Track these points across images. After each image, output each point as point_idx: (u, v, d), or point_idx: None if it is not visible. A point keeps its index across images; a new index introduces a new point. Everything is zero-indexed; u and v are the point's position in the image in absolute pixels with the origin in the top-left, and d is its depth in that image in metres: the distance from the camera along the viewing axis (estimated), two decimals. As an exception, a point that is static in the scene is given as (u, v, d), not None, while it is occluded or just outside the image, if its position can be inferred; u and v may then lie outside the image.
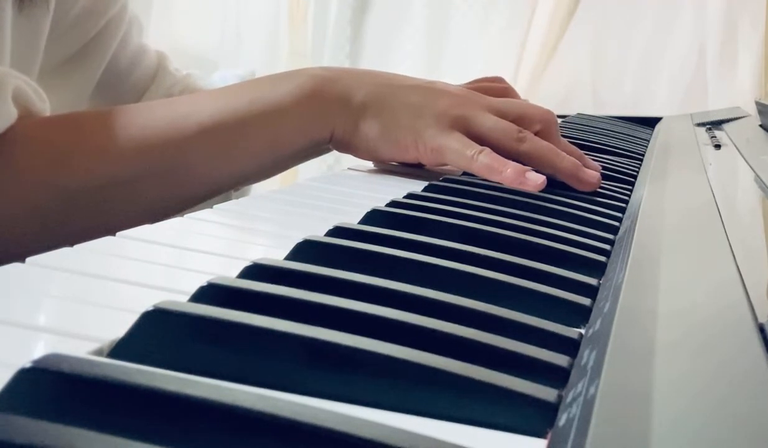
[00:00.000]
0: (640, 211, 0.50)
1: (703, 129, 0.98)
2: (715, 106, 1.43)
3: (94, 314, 0.29)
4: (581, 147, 0.71)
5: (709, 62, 1.59)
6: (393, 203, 0.49)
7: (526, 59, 1.79)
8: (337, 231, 0.40)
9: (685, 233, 0.44)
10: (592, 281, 0.37)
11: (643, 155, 0.84)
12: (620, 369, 0.24)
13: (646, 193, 0.56)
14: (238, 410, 0.20)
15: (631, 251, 0.39)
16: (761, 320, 0.27)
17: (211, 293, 0.29)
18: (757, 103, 0.98)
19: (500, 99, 0.66)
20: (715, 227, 0.42)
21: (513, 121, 0.62)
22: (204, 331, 0.26)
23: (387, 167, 0.67)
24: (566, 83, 1.74)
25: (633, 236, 0.42)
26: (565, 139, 0.68)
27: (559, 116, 0.89)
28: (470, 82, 0.73)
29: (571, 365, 0.27)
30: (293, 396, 0.24)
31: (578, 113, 1.23)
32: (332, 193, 0.55)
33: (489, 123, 0.61)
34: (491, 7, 1.85)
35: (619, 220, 0.52)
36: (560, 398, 0.25)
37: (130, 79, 0.80)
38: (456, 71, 1.81)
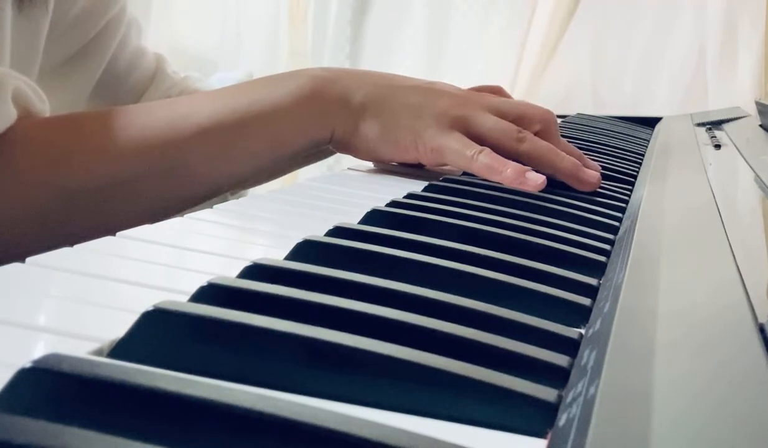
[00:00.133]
0: (640, 211, 0.50)
1: (703, 129, 0.98)
2: (715, 106, 1.43)
3: (94, 314, 0.29)
4: (581, 147, 0.71)
5: (709, 62, 1.59)
6: (393, 203, 0.49)
7: (526, 59, 1.79)
8: (337, 231, 0.40)
9: (685, 233, 0.44)
10: (592, 281, 0.38)
11: (643, 155, 0.84)
12: (620, 369, 0.24)
13: (646, 193, 0.56)
14: (238, 410, 0.20)
15: (631, 251, 0.39)
16: (761, 320, 0.27)
17: (211, 293, 0.29)
18: (757, 103, 0.98)
19: (500, 99, 0.66)
20: (715, 227, 0.42)
21: (512, 121, 0.62)
22: (204, 331, 0.26)
23: (387, 167, 0.67)
24: (566, 83, 1.74)
25: (633, 236, 0.42)
26: (565, 140, 0.68)
27: (559, 116, 0.89)
28: (470, 89, 0.73)
29: (571, 365, 0.27)
30: (293, 396, 0.24)
31: (578, 113, 1.23)
32: (332, 193, 0.55)
33: (489, 123, 0.61)
34: (491, 7, 1.85)
35: (619, 220, 0.52)
36: (560, 398, 0.25)
37: (129, 81, 0.80)
38: (456, 71, 1.81)
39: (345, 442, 0.20)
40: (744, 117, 1.08)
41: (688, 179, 0.64)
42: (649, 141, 0.97)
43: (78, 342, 0.26)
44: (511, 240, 0.42)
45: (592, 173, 0.62)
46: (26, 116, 0.54)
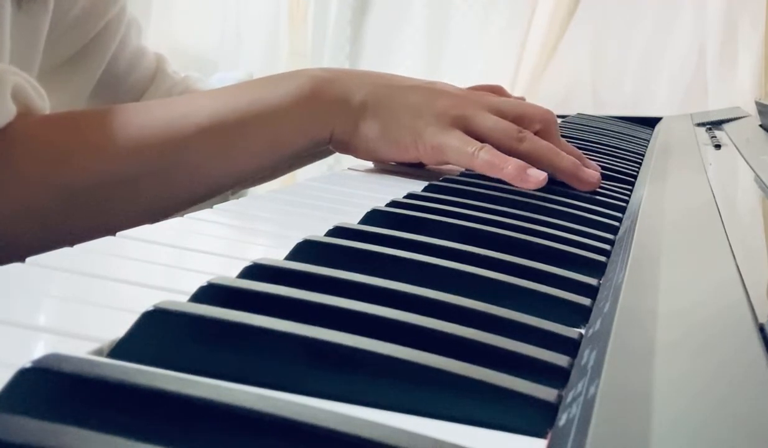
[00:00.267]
0: (640, 211, 0.50)
1: (703, 129, 0.98)
2: (715, 106, 1.43)
3: (94, 314, 0.29)
4: (581, 147, 0.71)
5: (709, 62, 1.59)
6: (393, 203, 0.49)
7: (526, 59, 1.79)
8: (337, 231, 0.40)
9: (685, 233, 0.44)
10: (592, 281, 0.37)
11: (643, 155, 0.84)
12: (620, 369, 0.24)
13: (646, 194, 0.56)
14: (238, 410, 0.20)
15: (631, 251, 0.39)
16: (761, 320, 0.27)
17: (211, 293, 0.29)
18: (757, 103, 0.98)
19: (500, 99, 0.66)
20: (715, 227, 0.42)
21: (512, 120, 0.62)
22: (204, 331, 0.26)
23: (387, 167, 0.67)
24: (566, 83, 1.74)
25: (633, 236, 0.42)
26: (565, 140, 0.68)
27: (559, 116, 0.89)
28: (469, 88, 0.73)
29: (571, 365, 0.27)
30: (293, 396, 0.24)
31: (578, 113, 1.23)
32: (332, 193, 0.55)
33: (489, 123, 0.61)
34: (491, 7, 1.85)
35: (619, 220, 0.52)
36: (560, 398, 0.25)
37: (129, 81, 0.80)
38: (456, 71, 1.81)
39: (345, 442, 0.20)
40: (744, 117, 1.08)
41: (688, 179, 0.64)
42: (649, 141, 0.97)
43: (78, 342, 0.26)
44: (511, 240, 0.42)
45: (592, 173, 0.62)
46: (26, 113, 0.54)
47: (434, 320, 0.28)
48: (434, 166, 0.67)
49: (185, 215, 0.45)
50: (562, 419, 0.23)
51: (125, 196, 0.55)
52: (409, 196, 0.53)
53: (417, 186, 0.58)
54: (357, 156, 0.64)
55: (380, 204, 0.48)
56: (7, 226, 0.52)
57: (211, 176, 0.58)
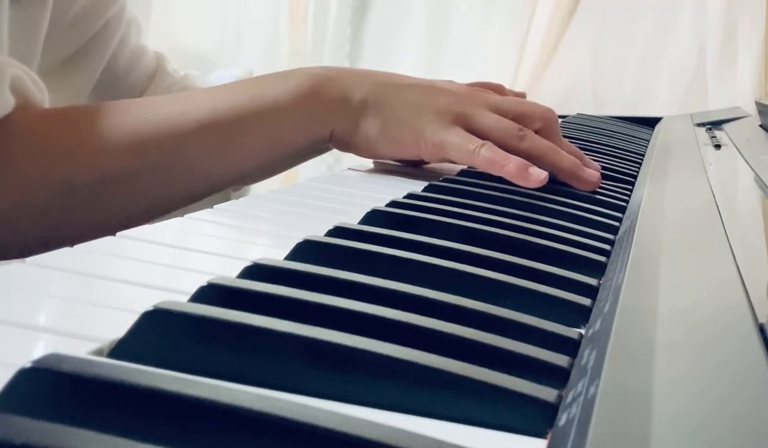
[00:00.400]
0: (640, 211, 0.50)
1: (703, 129, 0.98)
2: (715, 106, 1.43)
3: (94, 314, 0.29)
4: (581, 147, 0.71)
5: (709, 62, 1.59)
6: (393, 203, 0.49)
7: (526, 59, 1.79)
8: (337, 231, 0.40)
9: (685, 233, 0.44)
10: (592, 281, 0.38)
11: (643, 155, 0.84)
12: (620, 369, 0.24)
13: (646, 194, 0.56)
14: (238, 410, 0.20)
15: (631, 251, 0.39)
16: (761, 320, 0.27)
17: (211, 293, 0.29)
18: (757, 103, 0.98)
19: (500, 97, 0.66)
20: (715, 227, 0.42)
21: (513, 119, 0.62)
22: (204, 331, 0.26)
23: (387, 168, 0.67)
24: (566, 83, 1.74)
25: (633, 236, 0.42)
26: (566, 139, 0.68)
27: (559, 116, 0.89)
28: (469, 84, 0.73)
29: (571, 365, 0.27)
30: (293, 396, 0.24)
31: (578, 113, 1.23)
32: (332, 193, 0.55)
33: (490, 121, 0.61)
34: (491, 7, 1.85)
35: (619, 220, 0.52)
36: (560, 398, 0.25)
37: (129, 80, 0.80)
38: (456, 71, 1.81)
39: (345, 442, 0.20)
40: (744, 117, 1.08)
41: (688, 179, 0.64)
42: (649, 141, 0.97)
43: (78, 342, 0.26)
44: (511, 240, 0.42)
45: (592, 172, 0.62)
46: (25, 106, 0.54)
47: (434, 320, 0.28)
48: (434, 167, 0.67)
49: (185, 215, 0.45)
50: (562, 419, 0.23)
51: (124, 192, 0.55)
52: (409, 196, 0.53)
53: (417, 186, 0.58)
54: (358, 154, 0.64)
55: (380, 204, 0.48)
56: (6, 220, 0.52)
57: (210, 173, 0.58)
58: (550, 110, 0.66)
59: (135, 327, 0.26)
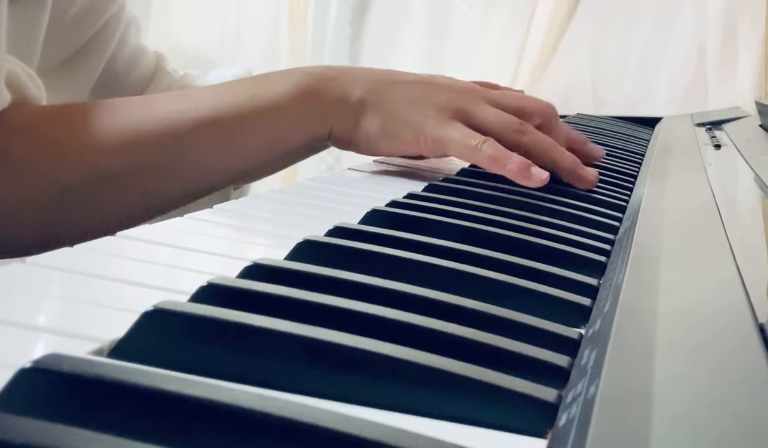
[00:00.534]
0: (640, 211, 0.50)
1: (703, 129, 0.98)
2: (715, 106, 1.43)
3: (94, 314, 0.29)
4: (581, 147, 0.71)
5: (709, 62, 1.59)
6: (393, 203, 0.49)
7: (526, 59, 1.79)
8: (337, 231, 0.40)
9: (685, 233, 0.44)
10: (592, 281, 0.38)
11: (643, 155, 0.84)
12: (620, 369, 0.24)
13: (646, 193, 0.56)
14: (238, 410, 0.20)
15: (631, 251, 0.39)
16: (761, 320, 0.27)
17: (211, 293, 0.29)
18: (757, 103, 0.98)
19: (499, 92, 0.66)
20: (715, 227, 0.42)
21: (513, 114, 0.62)
22: (204, 331, 0.26)
23: (387, 168, 0.67)
24: (566, 83, 1.74)
25: (633, 236, 0.42)
26: (566, 125, 0.68)
27: (560, 116, 0.89)
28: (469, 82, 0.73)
29: (571, 365, 0.27)
30: (293, 396, 0.24)
31: (578, 113, 1.23)
32: (332, 193, 0.55)
33: (490, 115, 0.61)
34: (491, 7, 1.84)
35: (619, 220, 0.52)
36: (560, 398, 0.25)
37: (128, 80, 0.80)
38: (456, 71, 1.80)
39: (345, 442, 0.20)
40: (744, 117, 1.08)
41: (688, 179, 0.64)
42: (649, 141, 0.97)
43: (78, 342, 0.26)
44: (511, 240, 0.42)
45: (591, 171, 0.61)
46: (22, 102, 0.54)
47: (434, 320, 0.28)
48: (434, 167, 0.67)
49: (185, 215, 0.45)
50: (562, 419, 0.23)
51: (121, 190, 0.55)
52: (409, 196, 0.53)
53: (417, 186, 0.58)
54: (358, 152, 0.64)
55: (380, 204, 0.48)
56: (4, 216, 0.52)
57: (209, 171, 0.58)
58: (549, 105, 0.66)
59: (135, 327, 0.26)
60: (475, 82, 0.72)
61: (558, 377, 0.26)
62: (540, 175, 0.57)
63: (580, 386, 0.24)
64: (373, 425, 0.20)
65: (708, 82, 1.59)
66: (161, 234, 0.40)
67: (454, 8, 1.87)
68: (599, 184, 0.63)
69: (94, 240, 0.37)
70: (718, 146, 0.79)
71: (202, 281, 0.30)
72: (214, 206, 0.48)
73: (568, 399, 0.24)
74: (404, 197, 0.52)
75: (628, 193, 0.63)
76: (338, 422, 0.20)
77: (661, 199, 0.54)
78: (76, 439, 0.18)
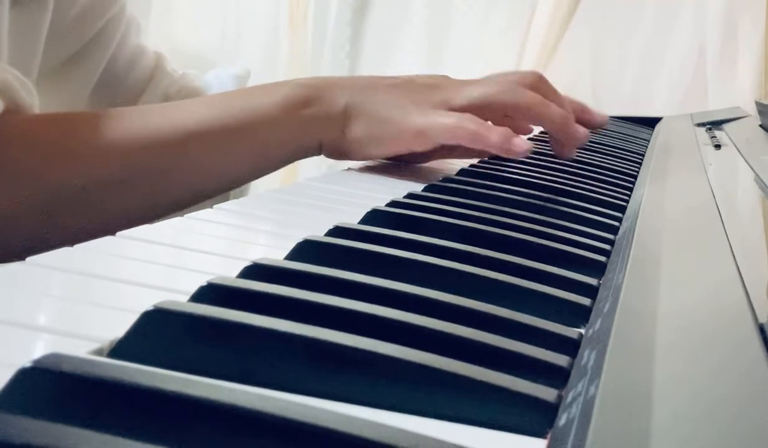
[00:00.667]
0: (640, 211, 0.50)
1: (703, 129, 0.98)
2: (715, 106, 1.43)
3: (94, 314, 0.29)
4: (581, 147, 0.71)
5: (709, 62, 1.59)
6: (393, 203, 0.49)
7: (526, 59, 1.79)
8: (338, 231, 0.40)
9: (685, 232, 0.44)
10: (592, 281, 0.38)
11: (643, 155, 0.84)
12: (620, 369, 0.24)
13: (646, 194, 0.56)
14: (238, 410, 0.20)
15: (631, 250, 0.39)
16: (761, 320, 0.27)
17: (211, 293, 0.29)
18: (757, 103, 0.98)
19: (480, 80, 0.66)
20: (715, 227, 0.42)
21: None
22: (204, 331, 0.26)
23: (387, 167, 0.67)
24: (566, 83, 1.74)
25: (633, 236, 0.42)
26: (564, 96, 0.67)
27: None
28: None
29: (571, 365, 0.27)
30: (294, 396, 0.24)
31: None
32: (332, 193, 0.55)
33: (470, 92, 0.61)
34: (491, 7, 1.84)
35: (619, 220, 0.52)
36: (560, 398, 0.25)
37: (128, 80, 0.80)
38: (456, 71, 1.81)
39: (345, 442, 0.20)
40: (744, 117, 1.08)
41: (688, 179, 0.64)
42: (649, 141, 0.97)
43: (78, 342, 0.26)
44: (511, 240, 0.42)
45: (581, 128, 0.60)
46: (14, 110, 0.54)
47: (434, 320, 0.28)
48: (434, 166, 0.67)
49: (185, 215, 0.45)
50: (562, 419, 0.23)
51: (109, 199, 0.55)
52: (409, 196, 0.53)
53: (417, 186, 0.58)
54: (352, 159, 0.65)
55: (380, 204, 0.48)
56: (1, 222, 0.52)
57: (198, 182, 0.59)
58: (535, 72, 0.65)
59: (135, 327, 0.26)
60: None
61: (558, 377, 0.26)
62: (521, 145, 0.57)
63: (580, 386, 0.24)
64: (373, 425, 0.20)
65: (708, 82, 1.59)
66: (161, 234, 0.40)
67: (454, 8, 1.87)
68: (599, 184, 0.63)
69: (94, 240, 0.37)
70: (718, 146, 0.79)
71: (202, 281, 0.30)
72: (214, 206, 0.48)
73: (568, 399, 0.24)
74: (404, 197, 0.52)
75: (628, 193, 0.63)
76: (338, 422, 0.20)
77: (661, 199, 0.54)
78: (76, 439, 0.18)
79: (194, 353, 0.25)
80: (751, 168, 0.65)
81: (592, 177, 0.65)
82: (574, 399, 0.23)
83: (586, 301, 0.34)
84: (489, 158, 0.70)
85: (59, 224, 0.54)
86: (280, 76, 1.82)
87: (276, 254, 0.36)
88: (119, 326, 0.26)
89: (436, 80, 0.64)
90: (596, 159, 0.73)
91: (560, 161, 0.67)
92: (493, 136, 0.57)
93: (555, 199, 0.55)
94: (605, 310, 0.31)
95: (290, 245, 0.37)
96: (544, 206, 0.53)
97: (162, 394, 0.21)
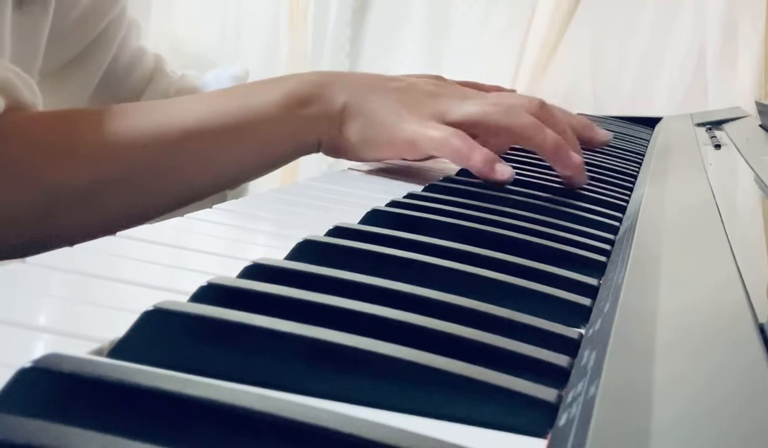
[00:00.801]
0: (640, 211, 0.50)
1: (703, 129, 0.98)
2: (715, 106, 1.43)
3: (94, 314, 0.29)
4: (581, 147, 0.71)
5: (709, 62, 1.59)
6: (393, 203, 0.49)
7: (526, 59, 1.79)
8: (338, 231, 0.40)
9: (685, 232, 0.44)
10: (592, 281, 0.38)
11: (643, 155, 0.84)
12: (620, 369, 0.24)
13: (646, 194, 0.56)
14: (238, 410, 0.20)
15: (631, 250, 0.39)
16: (761, 320, 0.27)
17: (211, 293, 0.29)
18: (757, 103, 0.98)
19: (482, 92, 0.65)
20: (715, 226, 0.42)
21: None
22: (204, 331, 0.26)
23: (387, 167, 0.67)
24: (566, 83, 1.74)
25: (633, 235, 0.42)
26: (568, 113, 0.67)
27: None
28: (459, 82, 0.72)
29: (571, 365, 0.27)
30: (293, 396, 0.24)
31: (578, 113, 1.23)
32: (332, 193, 0.55)
33: (466, 108, 0.60)
34: (491, 7, 1.84)
35: (619, 220, 0.52)
36: (560, 398, 0.25)
37: (128, 82, 0.80)
38: (456, 71, 1.80)
39: (345, 442, 0.20)
40: (744, 117, 1.08)
41: (688, 179, 0.64)
42: (649, 141, 0.97)
43: (78, 342, 0.26)
44: (511, 240, 0.42)
45: (575, 156, 0.59)
46: (16, 108, 0.54)
47: (434, 320, 0.28)
48: (434, 166, 0.66)
49: (185, 215, 0.45)
50: (562, 419, 0.23)
51: (112, 198, 0.55)
52: (409, 196, 0.53)
53: (417, 186, 0.58)
54: (347, 159, 0.64)
55: (380, 204, 0.48)
56: (1, 220, 0.52)
57: (196, 180, 0.59)
58: (538, 99, 0.64)
59: (135, 327, 0.26)
60: (467, 84, 0.72)
61: (558, 377, 0.26)
62: (503, 172, 0.56)
63: (580, 386, 0.24)
64: (373, 425, 0.20)
65: (708, 82, 1.59)
66: (161, 234, 0.40)
67: (454, 8, 1.87)
68: (599, 184, 0.63)
69: (94, 240, 0.37)
70: (718, 146, 0.79)
71: (202, 281, 0.30)
72: (214, 206, 0.48)
73: (568, 399, 0.24)
74: (404, 197, 0.52)
75: (628, 193, 0.63)
76: (338, 422, 0.20)
77: (661, 199, 0.54)
78: (76, 439, 0.18)
79: (194, 353, 0.25)
80: (751, 168, 0.65)
81: (592, 177, 0.65)
82: (574, 399, 0.23)
83: (586, 301, 0.34)
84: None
85: (59, 223, 0.54)
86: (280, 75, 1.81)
87: (276, 254, 0.36)
88: (119, 326, 0.26)
89: (439, 88, 0.63)
90: (596, 159, 0.73)
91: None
92: (477, 158, 0.56)
93: (555, 199, 0.55)
94: (605, 310, 0.31)
95: (290, 245, 0.37)
96: (544, 206, 0.53)
97: (162, 394, 0.21)
